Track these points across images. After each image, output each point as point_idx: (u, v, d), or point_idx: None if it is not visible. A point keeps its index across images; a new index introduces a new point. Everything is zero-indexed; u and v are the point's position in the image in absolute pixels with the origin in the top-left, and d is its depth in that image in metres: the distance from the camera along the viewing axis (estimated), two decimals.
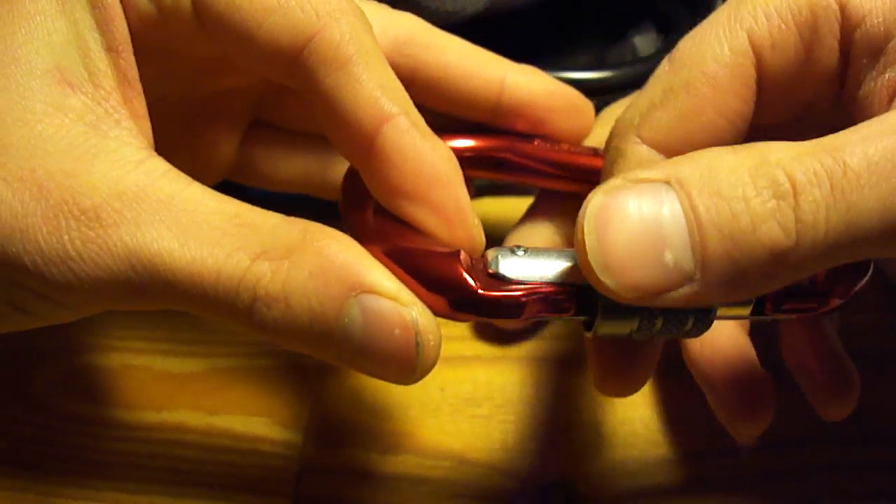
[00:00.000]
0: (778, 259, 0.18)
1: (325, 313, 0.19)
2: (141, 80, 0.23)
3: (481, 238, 0.23)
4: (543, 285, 0.20)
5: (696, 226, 0.18)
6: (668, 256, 0.18)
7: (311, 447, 0.29)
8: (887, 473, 0.28)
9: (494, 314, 0.20)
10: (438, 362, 0.30)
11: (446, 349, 0.31)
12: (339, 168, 0.29)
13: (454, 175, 0.23)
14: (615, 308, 0.20)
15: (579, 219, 0.19)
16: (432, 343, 0.20)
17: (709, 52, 0.23)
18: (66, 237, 0.19)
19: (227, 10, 0.22)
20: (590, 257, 0.18)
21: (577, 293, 0.21)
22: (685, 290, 0.18)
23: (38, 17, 0.21)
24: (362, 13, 0.22)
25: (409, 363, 0.20)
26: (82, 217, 0.19)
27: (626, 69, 0.33)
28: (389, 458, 0.29)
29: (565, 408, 0.30)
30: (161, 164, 0.21)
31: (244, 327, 0.20)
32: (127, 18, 0.22)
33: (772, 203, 0.18)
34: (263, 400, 0.31)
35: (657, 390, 0.30)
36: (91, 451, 0.29)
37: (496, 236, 0.26)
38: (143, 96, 0.22)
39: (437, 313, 0.20)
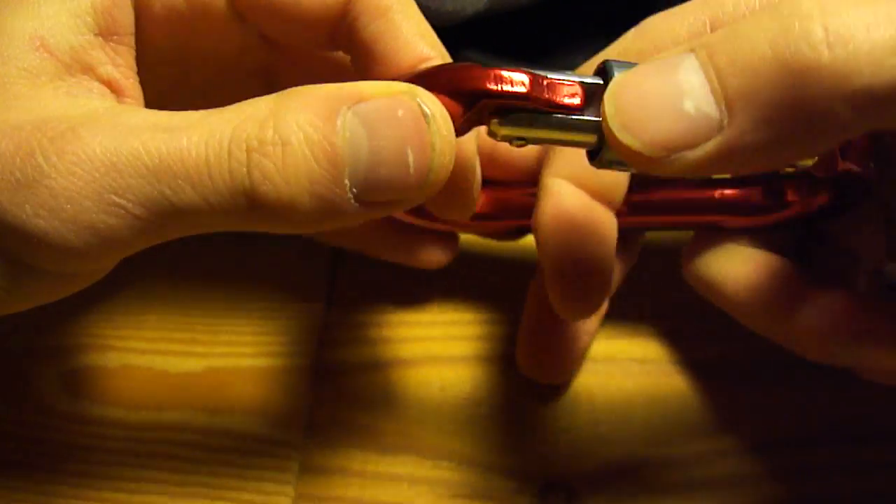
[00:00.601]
0: (810, 82, 0.16)
1: (323, 137, 0.18)
2: (153, 83, 0.23)
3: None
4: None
5: (713, 68, 0.17)
6: (688, 104, 0.17)
7: (311, 447, 0.29)
8: (887, 473, 0.28)
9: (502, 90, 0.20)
10: (438, 362, 0.30)
11: (446, 349, 0.31)
12: None
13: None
14: None
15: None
16: (439, 114, 0.19)
17: (683, 29, 0.23)
18: (40, 157, 0.18)
19: None
20: (609, 122, 0.18)
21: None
22: (715, 142, 0.17)
23: None
24: None
25: (424, 141, 0.18)
26: (55, 136, 0.19)
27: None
28: (389, 458, 0.29)
29: (565, 408, 0.30)
30: (136, 107, 0.21)
31: (252, 215, 0.19)
32: (147, 10, 0.22)
33: (793, 22, 0.17)
34: (263, 400, 0.31)
35: (657, 390, 0.30)
36: (91, 451, 0.29)
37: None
38: (138, 88, 0.23)
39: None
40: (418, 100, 0.19)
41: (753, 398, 0.30)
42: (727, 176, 0.27)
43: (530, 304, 0.30)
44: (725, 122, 0.17)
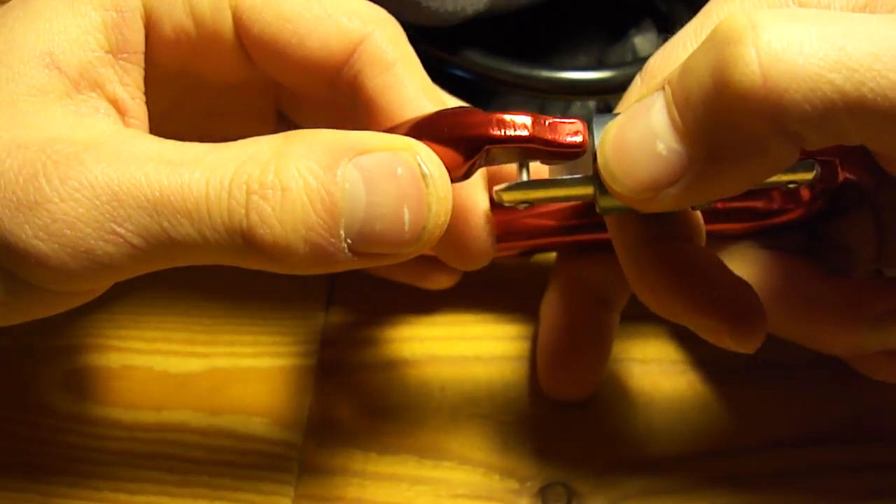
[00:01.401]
0: (746, 107, 0.17)
1: (322, 186, 0.18)
2: (157, 103, 0.23)
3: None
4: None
5: (674, 106, 0.18)
6: (660, 146, 0.18)
7: (311, 447, 0.29)
8: (887, 473, 0.28)
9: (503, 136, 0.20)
10: (438, 362, 0.30)
11: (446, 349, 0.31)
12: None
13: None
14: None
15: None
16: (438, 174, 0.19)
17: (676, 64, 0.24)
18: (42, 180, 0.19)
19: (276, 21, 0.22)
20: (602, 173, 0.19)
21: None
22: (689, 176, 0.18)
23: (45, 13, 0.21)
24: (396, 21, 0.24)
25: (421, 201, 0.19)
26: (60, 160, 0.19)
27: (626, 69, 0.33)
28: (389, 458, 0.29)
29: (565, 408, 0.30)
30: (142, 133, 0.21)
31: (247, 254, 0.19)
32: (157, 31, 0.23)
33: (726, 48, 0.17)
34: (263, 400, 0.31)
35: (657, 390, 0.30)
36: (91, 451, 0.29)
37: None
38: (143, 109, 0.23)
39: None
40: (418, 158, 0.19)
41: (753, 398, 0.30)
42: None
43: (545, 325, 0.29)
44: (693, 155, 0.18)
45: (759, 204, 0.26)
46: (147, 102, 0.23)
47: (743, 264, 0.26)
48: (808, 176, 0.20)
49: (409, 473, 0.29)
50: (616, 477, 0.28)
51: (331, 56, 0.23)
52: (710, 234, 0.26)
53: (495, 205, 0.23)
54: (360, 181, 0.19)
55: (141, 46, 0.22)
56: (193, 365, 0.32)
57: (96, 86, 0.21)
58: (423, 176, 0.19)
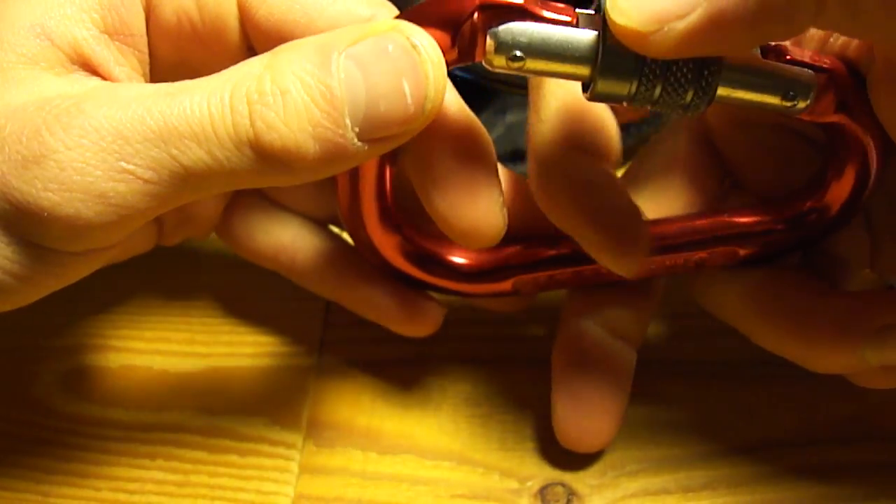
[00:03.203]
0: None
1: (320, 81, 0.19)
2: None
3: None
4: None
5: None
6: None
7: (311, 447, 0.29)
8: (887, 473, 0.28)
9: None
10: (438, 362, 0.30)
11: (446, 349, 0.31)
12: (306, 254, 0.29)
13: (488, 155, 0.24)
14: (614, 65, 0.20)
15: None
16: (427, 42, 0.19)
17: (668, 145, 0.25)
18: (46, 133, 0.19)
19: (285, 2, 0.22)
20: (607, 7, 0.18)
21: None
22: (701, 8, 0.17)
23: None
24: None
25: (418, 70, 0.19)
26: (60, 112, 0.19)
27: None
28: (389, 458, 0.29)
29: None
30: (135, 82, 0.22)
31: (260, 167, 0.19)
32: (157, 14, 0.23)
33: None
34: (263, 400, 0.31)
35: (657, 390, 0.30)
36: (91, 451, 0.29)
37: None
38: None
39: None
40: (405, 33, 0.19)
41: (753, 398, 0.30)
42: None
43: (559, 370, 0.27)
44: None
45: (767, 216, 0.26)
46: None
47: (733, 283, 0.26)
48: (802, 104, 0.21)
49: (409, 473, 0.29)
50: (616, 477, 0.28)
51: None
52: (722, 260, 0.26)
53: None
54: (355, 68, 0.19)
55: (140, 30, 0.22)
56: (193, 365, 0.32)
57: (89, 64, 0.21)
58: (414, 47, 0.19)
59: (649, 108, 0.21)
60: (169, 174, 0.19)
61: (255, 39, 0.23)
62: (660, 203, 0.27)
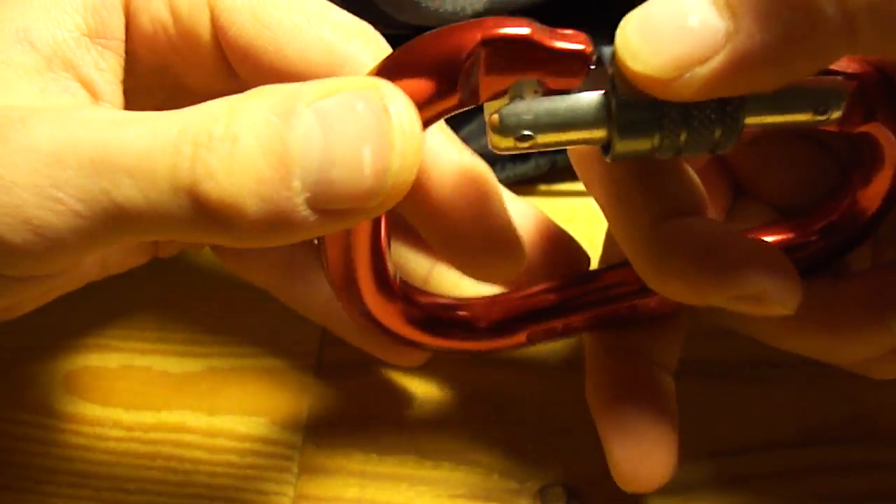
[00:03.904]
0: None
1: (275, 132, 0.16)
2: (141, 105, 0.23)
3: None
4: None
5: None
6: (692, 19, 0.17)
7: (311, 447, 0.29)
8: (887, 473, 0.28)
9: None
10: (438, 362, 0.30)
11: None
12: (300, 284, 0.28)
13: (496, 200, 0.23)
14: (632, 122, 0.18)
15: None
16: (404, 107, 0.17)
17: None
18: None
19: (254, 26, 0.21)
20: (620, 54, 0.17)
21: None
22: (725, 52, 0.16)
23: None
24: (380, 36, 0.23)
25: (384, 138, 0.17)
26: (3, 123, 0.18)
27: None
28: (389, 458, 0.29)
29: (565, 408, 0.30)
30: (104, 106, 0.21)
31: (195, 219, 0.17)
32: (136, 21, 0.22)
33: None
34: (263, 400, 0.31)
35: None
36: (91, 451, 0.29)
37: None
38: (119, 96, 0.22)
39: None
40: (381, 93, 0.17)
41: (753, 398, 0.30)
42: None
43: (603, 411, 0.25)
44: (731, 29, 0.17)
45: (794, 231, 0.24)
46: (132, 102, 0.22)
47: None
48: (836, 114, 0.19)
49: (409, 473, 0.29)
50: None
51: (310, 69, 0.21)
52: None
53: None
54: (316, 124, 0.17)
55: (120, 33, 0.22)
56: (193, 365, 0.32)
57: (70, 66, 0.21)
58: (384, 110, 0.17)
59: (676, 155, 0.19)
60: (101, 209, 0.17)
61: (229, 56, 0.22)
62: None
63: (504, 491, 0.28)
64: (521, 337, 0.26)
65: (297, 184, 0.17)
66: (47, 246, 0.18)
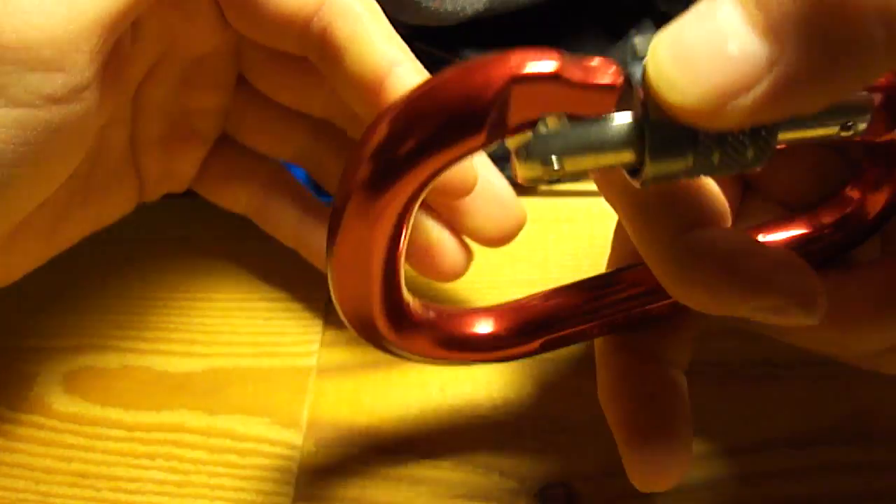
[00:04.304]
0: None
1: None
2: (138, 68, 0.24)
3: None
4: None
5: (750, 1, 0.16)
6: (732, 45, 0.16)
7: (311, 447, 0.29)
8: (887, 473, 0.28)
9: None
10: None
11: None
12: (276, 207, 0.31)
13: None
14: (664, 145, 0.18)
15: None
16: None
17: None
18: None
19: None
20: (655, 84, 0.16)
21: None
22: (769, 79, 0.16)
23: None
24: None
25: None
26: None
27: (626, 69, 0.33)
28: (389, 458, 0.29)
29: (565, 407, 0.30)
30: None
31: None
32: None
33: None
34: (263, 400, 0.31)
35: None
36: (91, 451, 0.29)
37: None
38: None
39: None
40: None
41: (753, 398, 0.30)
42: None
43: (617, 410, 0.25)
44: (775, 55, 0.16)
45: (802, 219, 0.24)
46: (128, 69, 0.24)
47: None
48: (861, 126, 0.19)
49: (409, 473, 0.29)
50: (616, 477, 0.28)
51: (302, 5, 0.24)
52: None
53: None
54: None
55: None
56: (193, 365, 0.32)
57: None
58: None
59: (707, 175, 0.19)
60: None
61: (223, 5, 0.25)
62: None
63: (504, 491, 0.28)
64: (535, 345, 0.25)
65: None
66: (88, 23, 0.20)
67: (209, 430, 0.30)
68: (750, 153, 0.18)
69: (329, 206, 0.22)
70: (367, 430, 0.30)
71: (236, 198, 0.32)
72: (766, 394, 0.30)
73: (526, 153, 0.18)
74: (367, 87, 0.24)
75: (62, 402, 0.31)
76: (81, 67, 0.21)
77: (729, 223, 0.22)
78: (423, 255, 0.29)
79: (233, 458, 0.29)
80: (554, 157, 0.18)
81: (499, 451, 0.29)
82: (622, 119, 0.18)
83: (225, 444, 0.29)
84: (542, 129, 0.18)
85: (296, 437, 0.30)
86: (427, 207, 0.29)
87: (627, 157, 0.18)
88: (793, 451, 0.28)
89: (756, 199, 0.27)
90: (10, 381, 0.31)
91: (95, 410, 0.30)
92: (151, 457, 0.29)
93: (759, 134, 0.18)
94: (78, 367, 0.32)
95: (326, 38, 0.24)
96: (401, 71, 0.24)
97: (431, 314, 0.25)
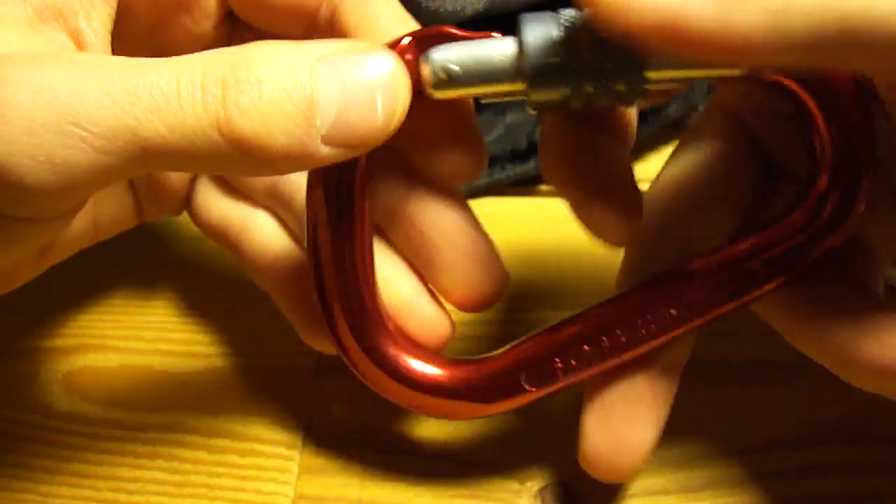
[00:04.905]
0: None
1: (298, 80, 0.19)
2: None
3: None
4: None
5: None
6: None
7: (311, 447, 0.29)
8: (887, 473, 0.28)
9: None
10: None
11: (446, 349, 0.31)
12: (251, 236, 0.28)
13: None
14: (543, 77, 0.21)
15: None
16: (402, 68, 0.21)
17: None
18: (7, 89, 0.18)
19: None
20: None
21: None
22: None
23: None
24: None
25: (392, 91, 0.20)
26: (16, 64, 0.18)
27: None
28: (389, 458, 0.29)
29: (565, 408, 0.30)
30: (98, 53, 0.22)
31: (220, 151, 0.19)
32: None
33: None
34: (263, 400, 0.31)
35: None
36: (91, 451, 0.29)
37: (499, 236, 0.26)
38: (107, 47, 0.22)
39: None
40: (384, 54, 0.20)
41: (753, 398, 0.30)
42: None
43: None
44: None
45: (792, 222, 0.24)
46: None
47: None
48: (735, 71, 0.21)
49: (409, 473, 0.29)
50: None
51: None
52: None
53: None
54: (333, 74, 0.19)
55: None
56: (193, 365, 0.32)
57: (59, 16, 0.21)
58: (391, 69, 0.20)
59: (587, 104, 0.22)
60: (123, 145, 0.18)
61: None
62: (713, 222, 0.25)
63: (504, 491, 0.28)
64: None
65: (318, 121, 0.19)
66: (66, 184, 0.18)
67: (209, 430, 0.30)
68: (622, 85, 0.21)
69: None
70: (367, 430, 0.30)
71: (212, 225, 0.29)
72: (766, 394, 0.30)
73: (427, 58, 0.21)
74: None
75: (62, 402, 0.31)
76: (62, 212, 0.21)
77: (630, 141, 0.25)
78: (397, 316, 0.26)
79: (233, 458, 0.29)
80: (451, 65, 0.21)
81: (499, 451, 0.29)
82: (508, 47, 0.21)
83: (225, 444, 0.29)
84: (443, 46, 0.22)
85: (296, 437, 0.30)
86: (404, 265, 0.27)
87: (518, 86, 0.21)
88: (793, 451, 0.28)
89: (781, 181, 0.26)
90: (10, 381, 0.31)
91: (95, 410, 0.30)
92: (151, 457, 0.29)
93: (629, 69, 0.21)
94: (78, 367, 0.32)
95: (335, 22, 0.24)
96: None
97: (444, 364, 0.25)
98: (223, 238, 0.29)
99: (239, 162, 0.19)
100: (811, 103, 0.22)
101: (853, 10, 0.16)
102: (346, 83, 0.19)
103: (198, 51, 0.25)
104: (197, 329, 0.33)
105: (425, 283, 0.26)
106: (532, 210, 0.35)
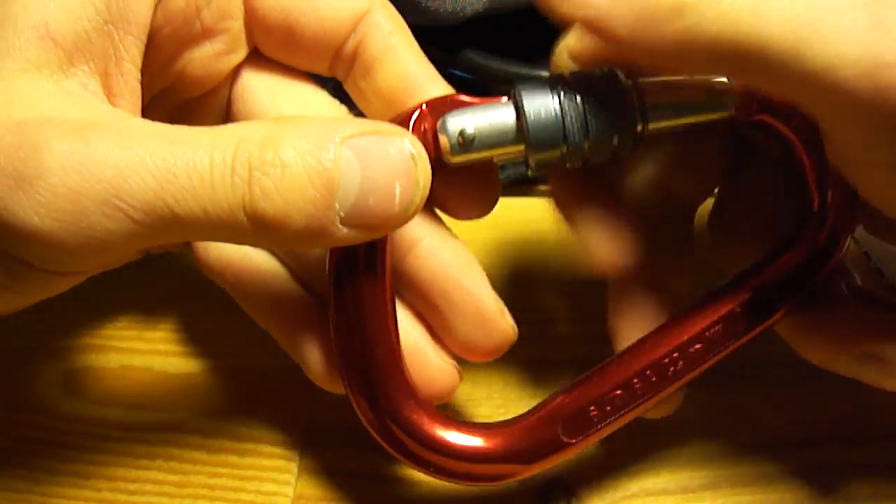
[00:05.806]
0: None
1: (319, 163, 0.20)
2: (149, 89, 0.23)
3: None
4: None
5: None
6: None
7: (311, 447, 0.29)
8: (887, 473, 0.28)
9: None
10: None
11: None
12: (250, 277, 0.28)
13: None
14: (540, 141, 0.22)
15: None
16: (423, 155, 0.21)
17: None
18: (46, 153, 0.19)
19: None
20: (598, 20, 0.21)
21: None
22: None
23: None
24: None
25: (411, 178, 0.21)
26: (64, 134, 0.19)
27: None
28: (389, 458, 0.29)
29: None
30: (130, 115, 0.22)
31: (245, 228, 0.20)
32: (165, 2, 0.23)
33: None
34: (263, 401, 0.31)
35: None
36: (91, 451, 0.29)
37: (499, 236, 0.26)
38: (136, 86, 0.22)
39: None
40: (406, 141, 0.21)
41: (753, 398, 0.30)
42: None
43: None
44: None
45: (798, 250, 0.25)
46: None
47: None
48: (724, 114, 0.22)
49: (409, 473, 0.29)
50: (616, 477, 0.28)
51: (340, 22, 0.24)
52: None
53: None
54: (355, 159, 0.20)
55: (145, 19, 0.22)
56: (193, 365, 0.32)
57: (90, 58, 0.21)
58: (412, 156, 0.21)
59: (585, 161, 0.23)
60: (158, 218, 0.19)
61: (256, 25, 0.25)
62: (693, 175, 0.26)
63: (504, 491, 0.28)
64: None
65: (336, 205, 0.20)
66: (102, 248, 0.19)
67: (209, 431, 0.30)
68: (615, 139, 0.22)
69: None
70: (367, 431, 0.30)
71: (212, 265, 0.29)
72: (767, 394, 0.30)
73: (444, 127, 0.22)
74: (396, 100, 0.25)
75: (62, 402, 0.31)
76: (93, 269, 0.22)
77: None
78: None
79: (232, 458, 0.29)
80: (467, 131, 0.22)
81: None
82: (511, 115, 0.23)
83: (224, 444, 0.29)
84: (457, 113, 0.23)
85: (296, 438, 0.30)
86: (409, 312, 0.27)
87: (519, 148, 0.23)
88: (793, 451, 0.28)
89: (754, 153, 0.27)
90: (10, 381, 0.31)
91: (95, 410, 0.30)
92: (151, 457, 0.29)
93: (621, 122, 0.22)
94: (78, 367, 0.32)
95: (359, 52, 0.25)
96: (432, 88, 0.24)
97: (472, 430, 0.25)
98: (222, 277, 0.29)
99: (259, 238, 0.20)
100: (794, 139, 0.24)
101: (744, 31, 0.19)
102: (366, 169, 0.20)
103: (219, 83, 0.26)
104: (197, 329, 0.33)
105: (431, 332, 0.26)
106: (532, 210, 0.35)
